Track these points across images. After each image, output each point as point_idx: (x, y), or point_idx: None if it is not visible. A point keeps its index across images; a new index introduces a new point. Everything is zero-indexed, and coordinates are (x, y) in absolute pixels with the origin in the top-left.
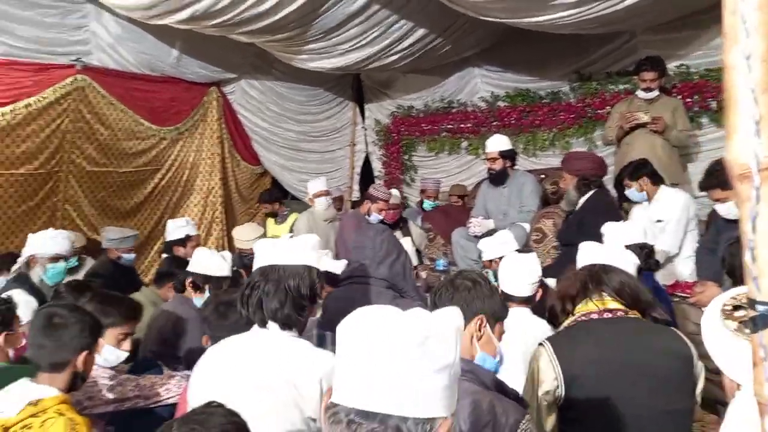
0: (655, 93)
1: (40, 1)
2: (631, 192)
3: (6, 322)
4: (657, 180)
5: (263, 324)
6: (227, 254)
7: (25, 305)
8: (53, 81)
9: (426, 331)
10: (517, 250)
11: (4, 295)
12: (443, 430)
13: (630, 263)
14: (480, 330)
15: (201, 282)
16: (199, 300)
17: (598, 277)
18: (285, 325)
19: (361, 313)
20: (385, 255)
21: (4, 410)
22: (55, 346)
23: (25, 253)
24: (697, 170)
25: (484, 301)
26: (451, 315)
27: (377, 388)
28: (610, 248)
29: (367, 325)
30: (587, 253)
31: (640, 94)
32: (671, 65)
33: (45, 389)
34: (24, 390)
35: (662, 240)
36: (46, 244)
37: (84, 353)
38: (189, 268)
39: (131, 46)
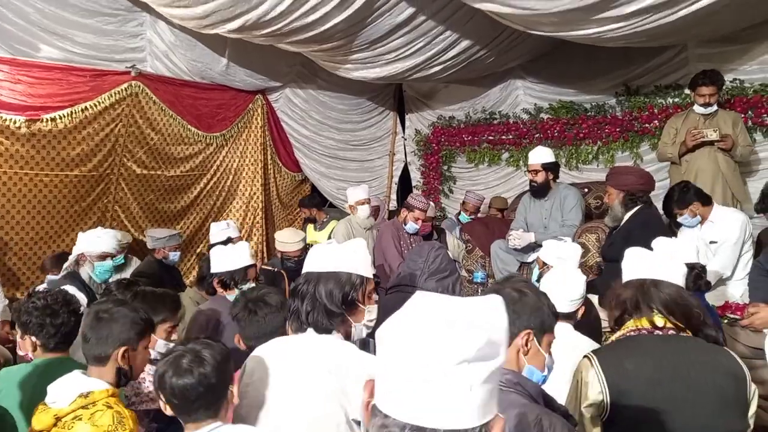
0: (714, 108)
1: (101, 10)
2: (685, 219)
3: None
4: (706, 200)
5: (302, 329)
6: (243, 243)
7: None
8: (109, 87)
9: (480, 343)
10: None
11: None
12: (498, 428)
13: (678, 274)
14: (527, 345)
15: (227, 279)
16: (232, 296)
17: (648, 292)
18: (319, 329)
19: (405, 318)
20: (437, 270)
21: (57, 401)
22: (96, 340)
23: (75, 251)
24: (750, 189)
25: (531, 314)
26: (499, 310)
27: (431, 402)
28: (658, 258)
29: (414, 335)
30: (634, 262)
31: (698, 109)
32: (725, 79)
33: (95, 382)
34: (76, 382)
35: (715, 261)
36: (94, 243)
37: (122, 349)
38: (212, 270)
39: (183, 54)
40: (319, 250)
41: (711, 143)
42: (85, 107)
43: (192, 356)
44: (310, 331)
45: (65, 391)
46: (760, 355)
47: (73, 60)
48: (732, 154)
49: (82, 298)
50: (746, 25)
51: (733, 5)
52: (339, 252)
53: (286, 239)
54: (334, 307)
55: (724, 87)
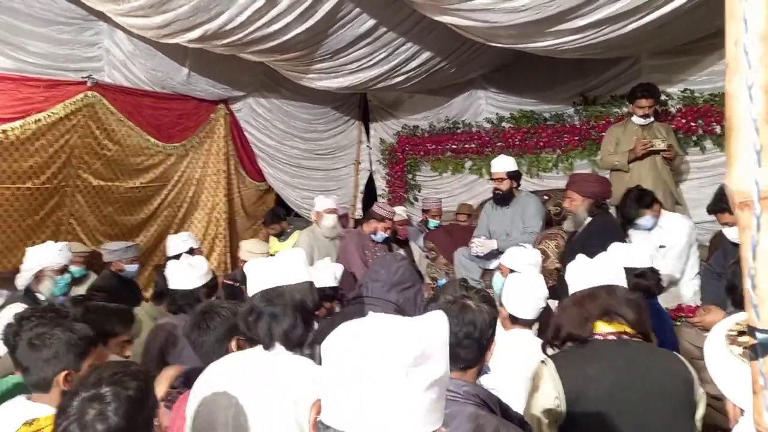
0: (651, 119)
1: (56, 18)
2: (646, 220)
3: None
4: (661, 205)
5: (271, 346)
6: (201, 258)
7: None
8: (64, 97)
9: (416, 351)
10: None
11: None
12: None
13: (622, 279)
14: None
15: (190, 300)
16: None
17: (603, 300)
18: (296, 344)
19: (347, 331)
20: (399, 281)
21: (0, 429)
22: (34, 366)
23: (30, 267)
24: (701, 195)
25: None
26: (439, 324)
27: (372, 413)
28: (601, 266)
29: (355, 347)
30: (579, 273)
31: (637, 120)
32: (676, 89)
33: (41, 408)
34: (20, 408)
35: (666, 264)
36: (54, 257)
37: (63, 373)
38: (171, 286)
39: (143, 64)
40: (261, 265)
41: (656, 152)
42: (38, 118)
43: (98, 405)
44: (280, 347)
45: (8, 418)
46: None
47: (26, 70)
48: (670, 163)
49: None
50: (695, 38)
51: (681, 20)
52: (289, 263)
53: (253, 249)
54: (311, 317)
55: (675, 97)
